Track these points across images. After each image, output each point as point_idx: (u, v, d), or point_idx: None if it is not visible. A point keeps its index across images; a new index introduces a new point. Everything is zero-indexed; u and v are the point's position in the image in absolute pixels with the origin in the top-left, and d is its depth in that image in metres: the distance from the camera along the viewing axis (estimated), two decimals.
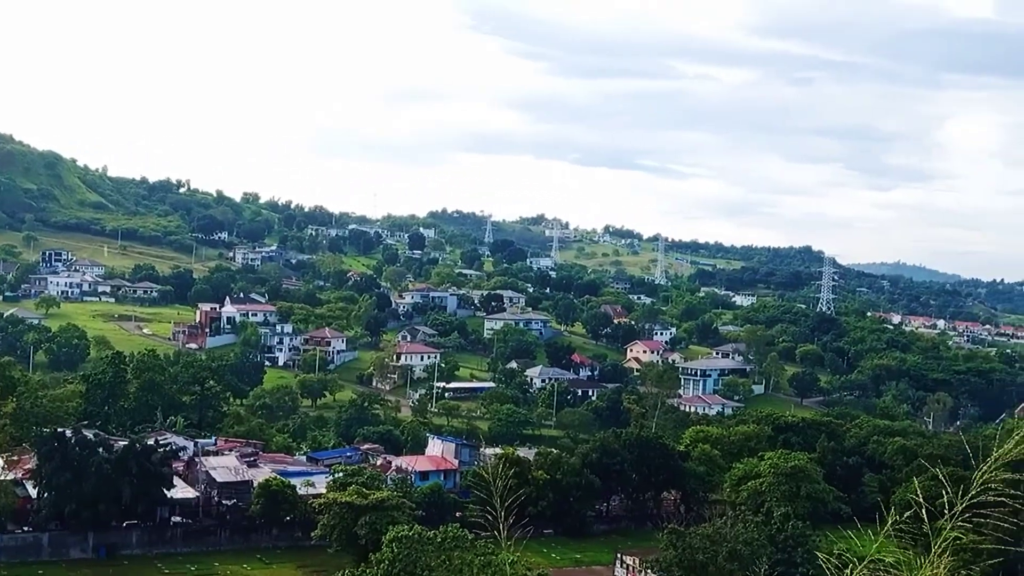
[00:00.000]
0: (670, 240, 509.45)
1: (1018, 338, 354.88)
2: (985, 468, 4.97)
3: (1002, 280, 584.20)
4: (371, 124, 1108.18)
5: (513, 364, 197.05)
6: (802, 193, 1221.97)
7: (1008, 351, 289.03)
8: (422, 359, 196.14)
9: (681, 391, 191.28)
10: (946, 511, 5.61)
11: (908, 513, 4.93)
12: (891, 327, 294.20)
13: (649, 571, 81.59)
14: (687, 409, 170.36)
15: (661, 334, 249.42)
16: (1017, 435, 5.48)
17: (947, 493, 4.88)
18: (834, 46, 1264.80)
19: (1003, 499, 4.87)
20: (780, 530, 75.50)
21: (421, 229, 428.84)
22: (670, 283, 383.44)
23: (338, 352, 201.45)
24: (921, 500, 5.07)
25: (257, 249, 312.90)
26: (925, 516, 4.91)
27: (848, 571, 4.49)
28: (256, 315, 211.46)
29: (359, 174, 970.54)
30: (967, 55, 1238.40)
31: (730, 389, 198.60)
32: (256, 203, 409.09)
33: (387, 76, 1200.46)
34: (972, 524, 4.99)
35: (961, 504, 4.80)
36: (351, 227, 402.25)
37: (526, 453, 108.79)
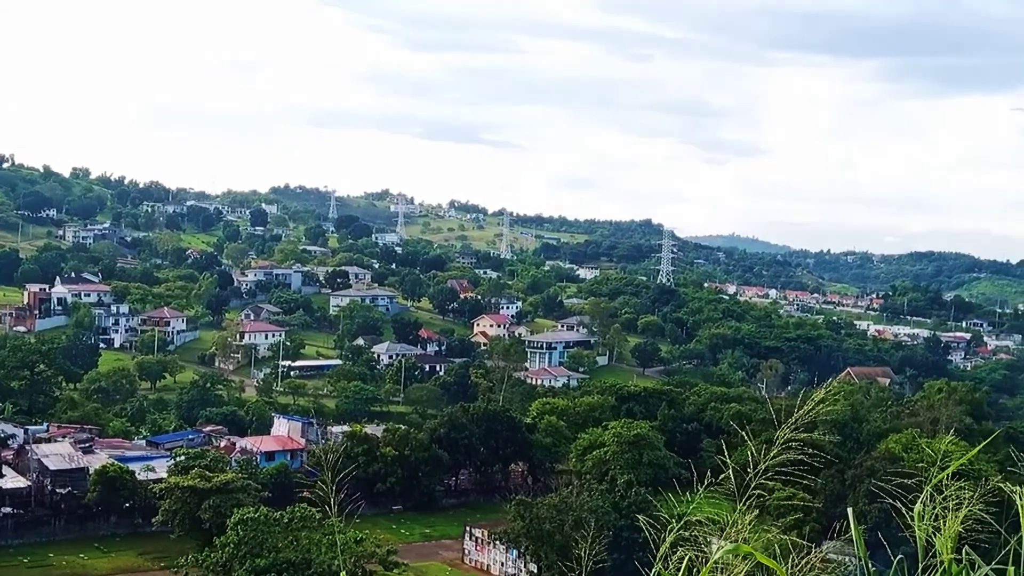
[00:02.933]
0: (515, 214, 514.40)
1: (843, 306, 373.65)
2: (786, 428, 5.33)
3: (828, 250, 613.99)
4: (208, 96, 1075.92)
5: (360, 341, 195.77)
6: (642, 167, 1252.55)
7: (834, 318, 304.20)
8: (266, 337, 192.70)
9: (528, 364, 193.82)
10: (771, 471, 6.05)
11: (723, 476, 5.24)
12: (727, 297, 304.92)
13: (497, 542, 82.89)
14: (534, 382, 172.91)
15: (507, 308, 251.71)
16: (821, 395, 5.91)
17: (752, 454, 5.21)
18: (670, 23, 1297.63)
19: (802, 457, 5.24)
20: (624, 497, 77.76)
21: (263, 205, 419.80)
22: (515, 257, 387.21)
23: (178, 332, 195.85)
24: (728, 461, 5.39)
25: (89, 227, 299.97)
26: (732, 476, 5.23)
27: (666, 532, 4.75)
28: (89, 295, 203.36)
29: (197, 148, 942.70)
30: (794, 33, 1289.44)
31: (575, 361, 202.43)
32: (87, 179, 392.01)
33: (224, 47, 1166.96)
34: (775, 481, 5.36)
35: (764, 463, 5.15)
36: (189, 203, 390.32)
37: (374, 430, 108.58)
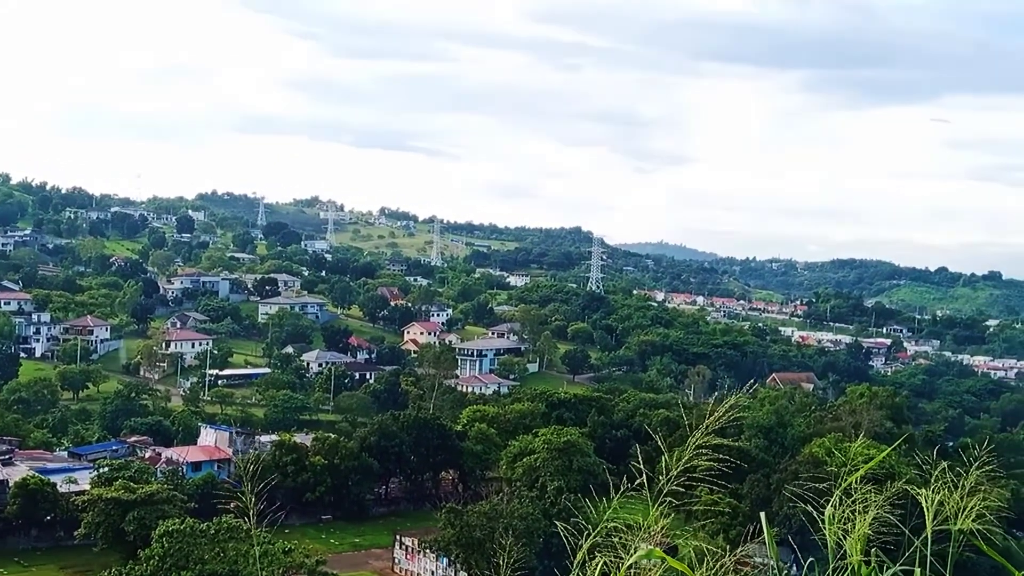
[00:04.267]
0: (445, 222, 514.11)
1: (769, 313, 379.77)
2: (698, 433, 5.57)
3: (754, 258, 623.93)
4: (133, 101, 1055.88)
5: (289, 349, 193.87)
6: (572, 175, 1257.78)
7: (760, 325, 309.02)
8: (193, 346, 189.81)
9: (458, 371, 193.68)
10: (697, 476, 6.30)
11: (638, 482, 5.45)
12: (655, 304, 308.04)
13: (428, 551, 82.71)
14: (464, 389, 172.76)
15: (438, 315, 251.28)
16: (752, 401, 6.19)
17: (665, 458, 5.45)
18: (600, 33, 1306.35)
19: (712, 462, 5.48)
20: (554, 504, 78.16)
21: (190, 212, 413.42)
22: (446, 265, 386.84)
23: (102, 341, 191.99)
24: (640, 467, 5.62)
25: (9, 234, 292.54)
26: (648, 482, 5.45)
27: (583, 538, 4.95)
28: (9, 303, 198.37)
29: (121, 154, 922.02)
30: (722, 44, 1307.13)
31: (506, 368, 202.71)
32: (7, 184, 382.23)
33: (149, 51, 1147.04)
34: (703, 486, 5.60)
35: (676, 468, 5.38)
36: (114, 210, 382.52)
37: (304, 439, 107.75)
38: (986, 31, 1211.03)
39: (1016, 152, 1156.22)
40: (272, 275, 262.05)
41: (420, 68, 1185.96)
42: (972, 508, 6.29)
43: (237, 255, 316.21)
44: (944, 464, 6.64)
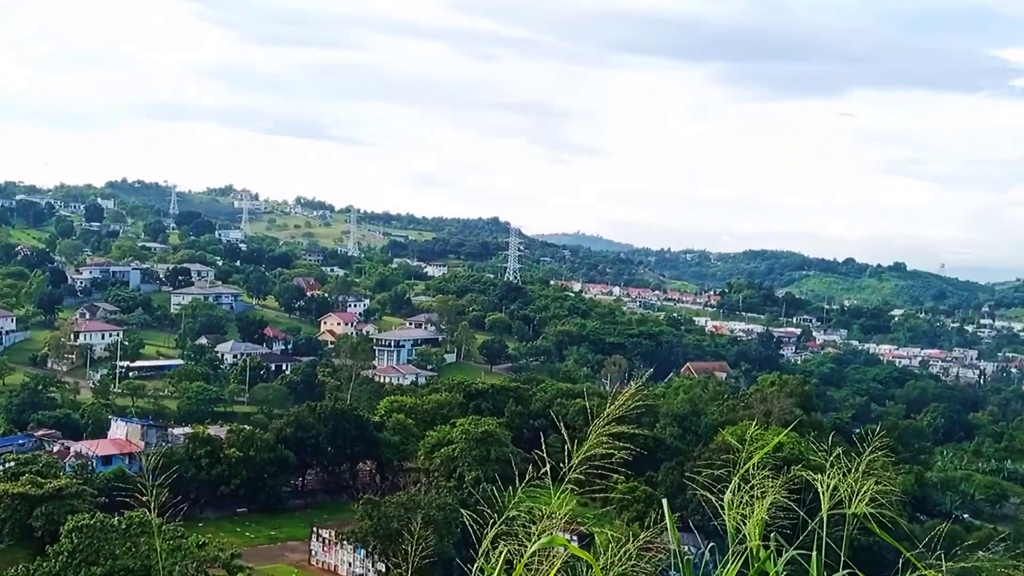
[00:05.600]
0: (363, 212, 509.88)
1: (683, 303, 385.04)
2: (598, 422, 5.77)
3: (669, 249, 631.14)
4: (39, 87, 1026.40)
5: (203, 340, 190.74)
6: (490, 166, 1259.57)
7: (674, 315, 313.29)
8: (103, 337, 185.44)
9: (376, 362, 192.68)
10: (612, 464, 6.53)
11: (543, 471, 5.65)
12: (572, 295, 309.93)
13: (345, 542, 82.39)
14: (382, 380, 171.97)
15: (355, 306, 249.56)
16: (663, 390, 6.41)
17: (568, 447, 5.65)
18: (518, 24, 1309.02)
19: (615, 450, 5.69)
20: (472, 494, 78.44)
21: (99, 200, 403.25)
22: (363, 255, 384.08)
23: (7, 332, 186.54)
24: (546, 456, 5.81)
25: None
26: (555, 469, 5.65)
27: (489, 527, 5.13)
28: None
29: (26, 141, 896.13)
30: (637, 36, 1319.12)
31: (423, 358, 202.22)
32: None
33: (57, 35, 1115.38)
34: (601, 475, 5.81)
35: (578, 456, 5.58)
36: (19, 197, 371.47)
37: (218, 431, 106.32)
38: (894, 28, 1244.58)
39: (920, 146, 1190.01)
40: (185, 265, 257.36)
41: (337, 56, 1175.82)
42: (866, 492, 6.53)
43: (149, 244, 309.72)
44: (839, 450, 6.88)
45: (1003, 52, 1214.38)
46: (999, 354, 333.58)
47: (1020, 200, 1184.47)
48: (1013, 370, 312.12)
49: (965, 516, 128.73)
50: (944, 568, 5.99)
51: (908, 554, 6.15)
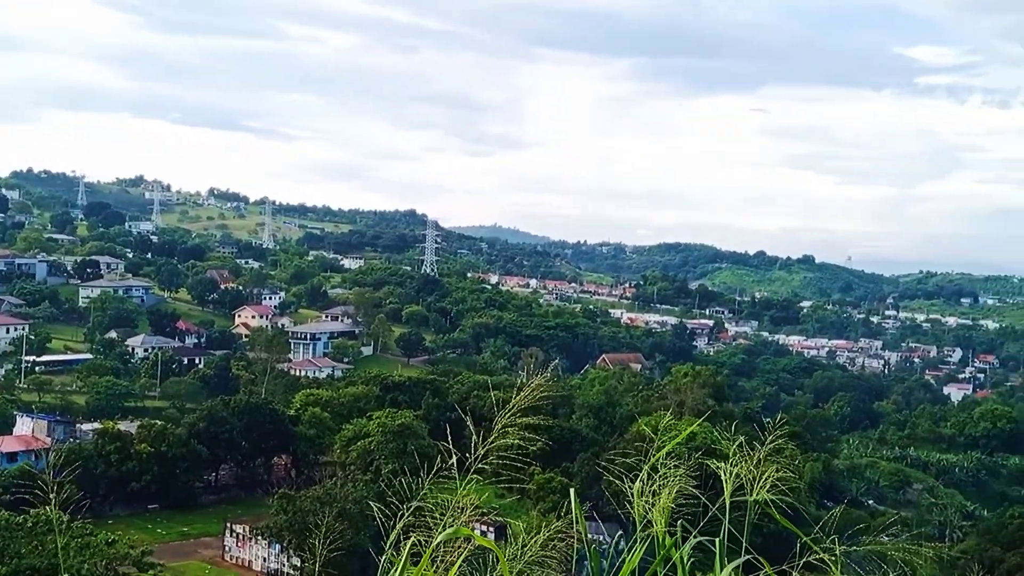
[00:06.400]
0: (278, 203, 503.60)
1: (599, 295, 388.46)
2: (504, 413, 5.93)
3: (585, 241, 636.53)
4: None
5: (113, 333, 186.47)
6: (407, 158, 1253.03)
7: (591, 307, 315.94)
8: (8, 331, 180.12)
9: (291, 355, 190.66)
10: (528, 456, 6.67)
11: (450, 463, 5.78)
12: (489, 287, 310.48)
13: (260, 537, 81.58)
14: (298, 373, 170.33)
15: (270, 299, 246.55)
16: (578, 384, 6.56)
17: (474, 438, 5.79)
18: (436, 16, 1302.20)
19: (520, 441, 5.85)
20: (389, 486, 78.18)
21: (3, 190, 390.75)
22: (278, 247, 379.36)
23: None
24: (450, 448, 5.95)
25: None
26: (453, 463, 5.78)
27: (397, 518, 5.25)
28: None
29: None
30: (555, 30, 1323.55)
31: (340, 351, 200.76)
32: None
33: None
34: (496, 463, 5.95)
35: (483, 447, 5.72)
36: None
37: (129, 426, 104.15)
38: (804, 25, 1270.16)
39: (829, 142, 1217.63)
40: (94, 257, 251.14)
41: (251, 45, 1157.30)
42: (767, 479, 6.72)
43: (56, 236, 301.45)
44: (741, 438, 7.08)
45: (909, 51, 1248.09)
46: (902, 344, 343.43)
47: (924, 195, 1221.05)
48: (916, 360, 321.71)
49: (870, 502, 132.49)
50: (838, 551, 6.25)
51: (805, 538, 6.39)
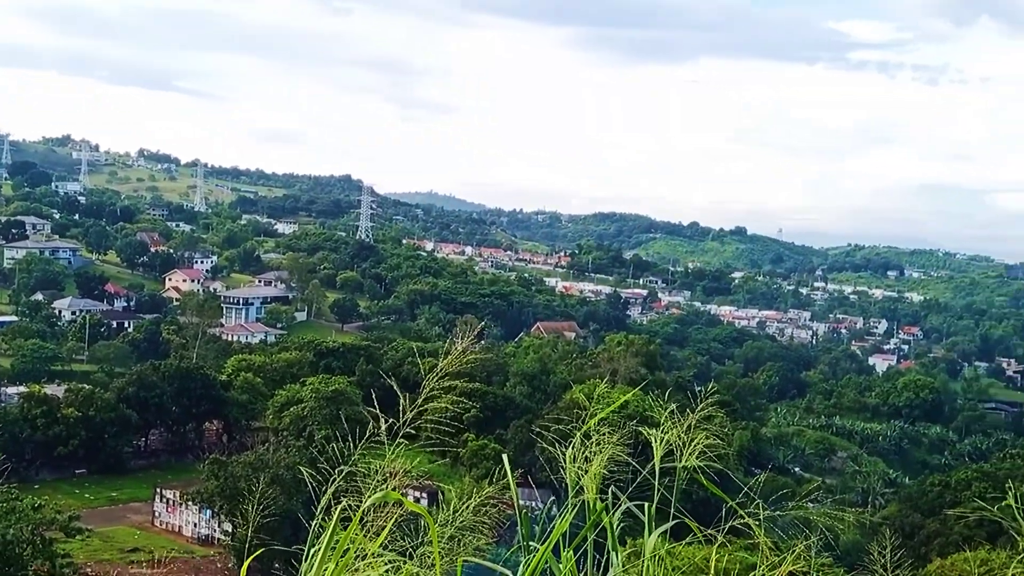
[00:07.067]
0: (210, 166, 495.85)
1: (534, 263, 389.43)
2: (432, 377, 5.96)
3: (521, 209, 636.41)
4: None
5: (39, 296, 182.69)
6: (343, 122, 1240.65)
7: (526, 275, 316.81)
8: None
9: (223, 320, 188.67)
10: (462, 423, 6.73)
11: (383, 427, 5.80)
12: (425, 254, 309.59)
13: (190, 503, 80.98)
14: (230, 338, 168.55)
15: (202, 262, 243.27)
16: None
17: (402, 401, 5.82)
18: None
19: (450, 406, 5.90)
20: (321, 453, 78.00)
21: None
22: (211, 210, 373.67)
23: None
24: (377, 413, 5.98)
25: None
26: (383, 428, 5.81)
27: (329, 484, 5.27)
28: None
29: None
30: None
31: (273, 317, 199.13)
32: None
33: None
34: (451, 432, 6.00)
35: (411, 411, 5.76)
36: None
37: (56, 390, 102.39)
38: None
39: (761, 115, 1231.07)
40: (19, 217, 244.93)
41: (183, 4, 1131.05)
42: (696, 446, 6.84)
43: None
44: (673, 406, 7.17)
45: (841, 25, 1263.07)
46: (830, 315, 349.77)
47: (854, 169, 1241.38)
48: (843, 331, 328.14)
49: (796, 469, 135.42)
50: (763, 516, 6.40)
51: (732, 503, 6.53)
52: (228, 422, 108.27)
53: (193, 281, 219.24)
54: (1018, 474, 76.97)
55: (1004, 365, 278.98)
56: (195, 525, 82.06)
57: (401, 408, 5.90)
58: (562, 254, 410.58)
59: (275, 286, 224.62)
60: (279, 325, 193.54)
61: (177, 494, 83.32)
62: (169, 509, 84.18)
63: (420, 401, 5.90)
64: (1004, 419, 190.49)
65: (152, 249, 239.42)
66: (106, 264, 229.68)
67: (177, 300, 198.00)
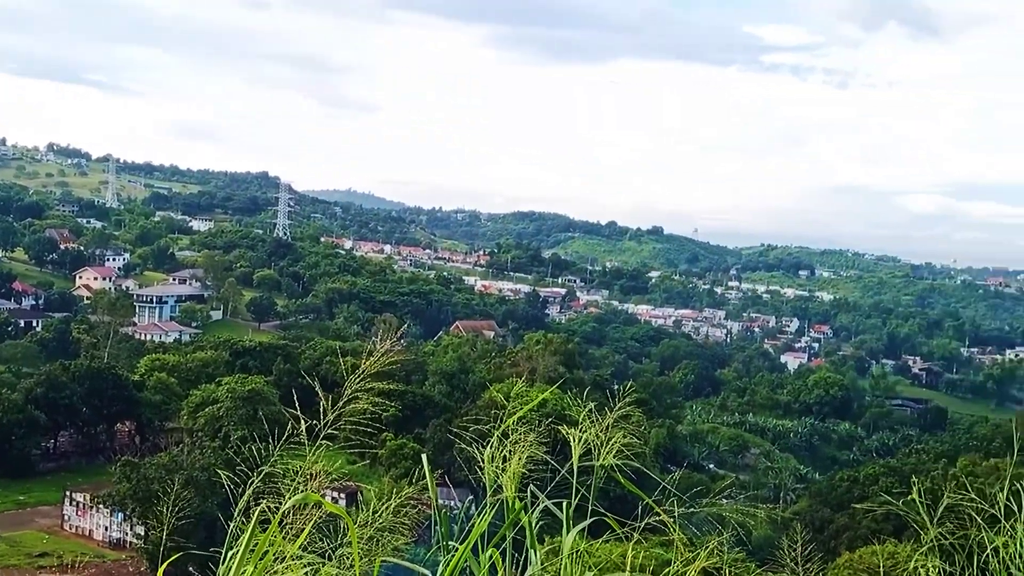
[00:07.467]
0: (123, 161, 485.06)
1: (454, 262, 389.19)
2: (354, 378, 5.97)
3: (440, 208, 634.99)
4: None
5: None
6: (260, 119, 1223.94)
7: (445, 274, 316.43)
8: None
9: (136, 319, 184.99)
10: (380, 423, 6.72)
11: (302, 427, 5.79)
12: (343, 252, 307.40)
13: (101, 506, 79.23)
14: (143, 337, 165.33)
15: (114, 260, 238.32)
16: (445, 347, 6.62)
17: (323, 401, 5.82)
18: None
19: (371, 406, 5.90)
20: (238, 454, 76.94)
21: None
22: (123, 207, 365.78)
23: None
24: (298, 414, 5.97)
25: None
26: (303, 429, 5.80)
27: (247, 485, 5.25)
28: None
29: None
30: None
31: (188, 315, 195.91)
32: None
33: None
34: (368, 432, 5.99)
35: (333, 412, 5.76)
36: None
37: None
38: (660, 1, 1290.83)
39: (678, 117, 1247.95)
40: None
41: None
42: (614, 444, 6.92)
43: None
44: (591, 404, 7.26)
45: (756, 29, 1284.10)
46: (744, 314, 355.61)
47: (766, 170, 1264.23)
48: (756, 329, 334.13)
49: (710, 466, 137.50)
50: (679, 513, 6.53)
51: (648, 500, 6.64)
52: (141, 423, 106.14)
53: (105, 279, 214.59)
54: (923, 469, 79.47)
55: (910, 363, 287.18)
56: (106, 529, 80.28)
57: (321, 408, 5.88)
58: (481, 253, 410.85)
59: (190, 284, 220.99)
60: (194, 324, 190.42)
61: (87, 497, 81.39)
62: (79, 512, 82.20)
63: (343, 403, 5.89)
64: (910, 415, 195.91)
65: (62, 246, 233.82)
66: (13, 261, 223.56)
67: (88, 298, 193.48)
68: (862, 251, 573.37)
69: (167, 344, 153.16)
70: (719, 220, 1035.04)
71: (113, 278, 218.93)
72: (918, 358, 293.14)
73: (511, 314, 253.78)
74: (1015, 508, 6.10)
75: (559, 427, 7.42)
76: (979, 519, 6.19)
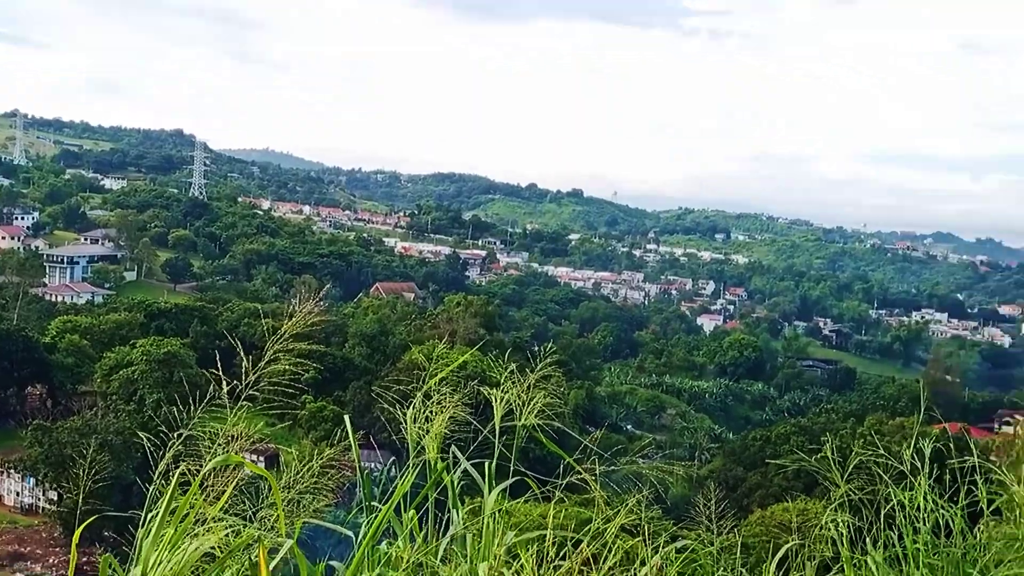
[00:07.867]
0: (31, 117, 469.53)
1: (374, 223, 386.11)
2: (275, 339, 5.94)
3: (360, 169, 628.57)
4: None
5: None
6: (174, 75, 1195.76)
7: (365, 235, 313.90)
8: None
9: (46, 280, 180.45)
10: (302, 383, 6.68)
11: (223, 390, 5.75)
12: (261, 213, 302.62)
13: (12, 471, 77.65)
14: (54, 298, 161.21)
15: (22, 219, 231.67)
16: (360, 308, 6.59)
17: (245, 364, 5.78)
18: None
19: (291, 368, 5.88)
20: (153, 417, 75.82)
21: None
22: (31, 164, 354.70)
23: None
24: (214, 373, 5.92)
25: None
26: (224, 391, 5.76)
27: (167, 448, 5.20)
28: None
29: None
30: None
31: (100, 276, 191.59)
32: None
33: None
34: (287, 394, 5.96)
35: (254, 373, 5.73)
36: None
37: None
38: None
39: (597, 79, 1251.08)
40: None
41: None
42: (535, 405, 7.00)
43: None
44: (513, 366, 7.31)
45: None
46: (661, 277, 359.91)
47: (686, 134, 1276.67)
48: (673, 292, 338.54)
49: (628, 427, 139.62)
50: (598, 472, 6.64)
51: (569, 459, 6.74)
52: (52, 386, 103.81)
53: (13, 238, 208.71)
54: (833, 428, 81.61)
55: (821, 324, 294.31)
56: (17, 494, 78.71)
57: (243, 371, 5.83)
58: (401, 214, 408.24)
59: (102, 244, 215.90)
60: (107, 285, 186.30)
61: None
62: None
63: (263, 364, 5.84)
64: (820, 376, 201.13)
65: None
66: None
67: None
68: (776, 215, 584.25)
69: (79, 306, 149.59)
70: (638, 184, 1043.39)
71: (22, 238, 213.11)
72: (829, 320, 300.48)
73: (431, 276, 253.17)
74: (919, 465, 6.34)
75: (481, 388, 7.47)
76: (886, 476, 6.42)
